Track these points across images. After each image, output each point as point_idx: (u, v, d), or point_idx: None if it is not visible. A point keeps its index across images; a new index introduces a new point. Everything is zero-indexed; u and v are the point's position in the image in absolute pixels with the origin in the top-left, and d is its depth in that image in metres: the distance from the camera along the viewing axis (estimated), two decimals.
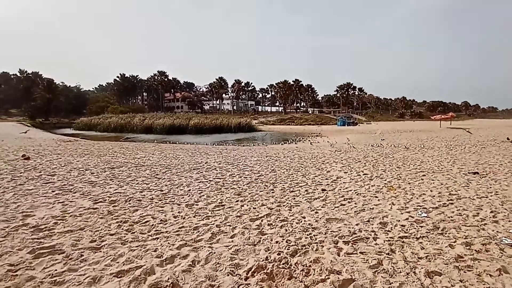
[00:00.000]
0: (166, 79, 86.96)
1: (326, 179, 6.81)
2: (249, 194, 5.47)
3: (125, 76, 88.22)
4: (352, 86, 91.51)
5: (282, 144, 22.32)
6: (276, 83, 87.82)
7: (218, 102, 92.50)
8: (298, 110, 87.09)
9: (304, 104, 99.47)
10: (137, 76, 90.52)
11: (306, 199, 5.10)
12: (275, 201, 5.02)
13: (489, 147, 13.21)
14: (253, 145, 21.28)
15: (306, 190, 5.71)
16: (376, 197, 5.20)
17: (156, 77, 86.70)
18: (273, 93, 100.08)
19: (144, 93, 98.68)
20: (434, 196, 5.24)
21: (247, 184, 6.28)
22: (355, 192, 5.52)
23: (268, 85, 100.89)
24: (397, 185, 6.10)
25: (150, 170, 8.05)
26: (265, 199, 5.11)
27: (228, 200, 5.09)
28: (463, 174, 7.16)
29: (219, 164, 9.28)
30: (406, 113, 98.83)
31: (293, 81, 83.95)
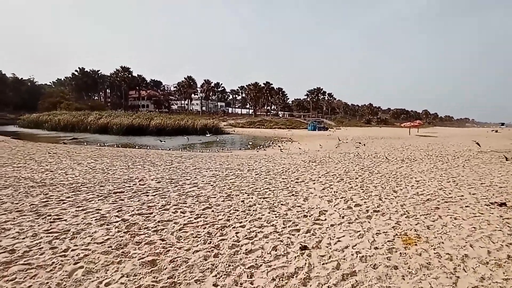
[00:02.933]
0: (130, 76, 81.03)
1: (304, 215, 4.54)
2: (170, 264, 2.99)
3: (85, 70, 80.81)
4: (322, 91, 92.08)
5: (249, 150, 20.04)
6: (247, 85, 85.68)
7: (187, 102, 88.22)
8: (268, 113, 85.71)
9: (275, 108, 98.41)
10: (98, 71, 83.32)
11: (273, 278, 2.75)
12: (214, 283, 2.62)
13: (486, 162, 11.91)
14: (217, 150, 18.75)
15: (275, 248, 3.36)
16: (396, 267, 2.99)
17: (119, 73, 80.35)
18: (243, 95, 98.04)
19: (107, 90, 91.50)
20: (486, 261, 3.17)
21: (179, 229, 3.80)
22: (357, 254, 3.26)
23: (238, 87, 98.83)
24: (411, 230, 4.00)
25: (45, 195, 5.28)
26: (195, 281, 2.68)
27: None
28: (484, 204, 5.30)
29: (158, 182, 6.71)
30: (373, 119, 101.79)
31: (264, 84, 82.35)
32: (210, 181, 7.04)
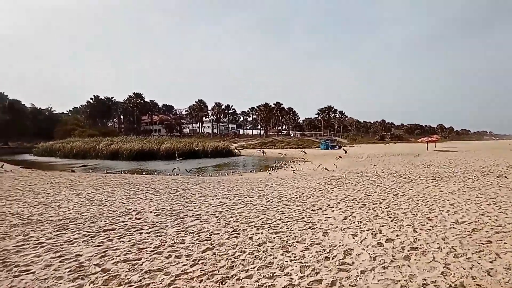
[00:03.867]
0: (142, 101, 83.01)
1: (326, 257, 3.69)
2: None
3: (99, 98, 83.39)
4: (333, 109, 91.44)
5: (260, 172, 19.24)
6: (257, 106, 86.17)
7: (198, 125, 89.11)
8: (279, 133, 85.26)
9: (286, 127, 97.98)
10: (112, 98, 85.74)
11: None
12: None
13: None
14: (226, 173, 18.03)
15: None
16: None
17: (131, 99, 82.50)
18: (254, 116, 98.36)
19: (120, 116, 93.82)
20: None
21: (168, 284, 3.02)
22: None
23: (249, 108, 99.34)
24: (468, 277, 3.08)
25: (25, 236, 4.64)
26: None
27: None
28: None
29: (157, 215, 6.00)
30: (386, 135, 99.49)
31: (274, 104, 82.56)
32: (216, 211, 6.27)
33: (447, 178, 11.22)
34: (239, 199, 7.70)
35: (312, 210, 6.24)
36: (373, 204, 6.72)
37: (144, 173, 18.80)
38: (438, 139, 38.78)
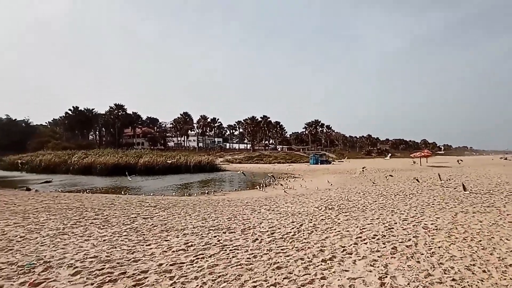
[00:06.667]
0: (124, 113, 79.50)
1: None
2: None
3: (79, 109, 79.29)
4: (320, 123, 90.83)
5: (247, 190, 16.99)
6: (244, 120, 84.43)
7: (183, 138, 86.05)
8: (266, 148, 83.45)
9: (273, 142, 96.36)
10: (93, 109, 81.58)
11: None
12: None
13: None
14: (207, 193, 15.70)
15: None
16: None
17: (113, 111, 78.89)
18: (241, 130, 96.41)
19: (102, 129, 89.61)
20: None
21: None
22: None
23: (236, 122, 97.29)
24: None
25: None
26: None
27: None
28: None
29: (76, 272, 3.73)
30: (373, 150, 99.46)
31: (261, 118, 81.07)
32: (174, 263, 4.04)
33: (466, 200, 9.41)
34: (214, 236, 5.48)
35: (323, 260, 4.09)
36: (407, 246, 4.66)
37: (110, 192, 16.21)
38: (430, 155, 37.77)
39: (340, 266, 3.84)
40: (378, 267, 3.78)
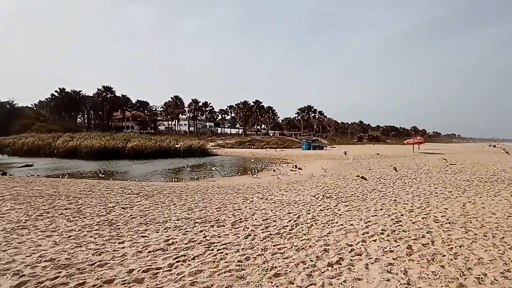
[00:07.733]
0: (113, 96, 76.74)
1: None
2: None
3: (65, 90, 76.03)
4: (312, 109, 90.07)
5: (238, 176, 16.29)
6: (236, 104, 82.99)
7: (174, 122, 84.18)
8: (259, 133, 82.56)
9: (265, 127, 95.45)
10: (80, 91, 78.22)
11: None
12: None
13: None
14: (196, 178, 14.90)
15: None
16: None
17: (101, 93, 76.00)
18: (233, 114, 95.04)
19: (90, 111, 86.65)
20: None
21: None
22: None
23: (228, 106, 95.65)
24: None
25: None
26: None
27: None
28: None
29: (20, 285, 2.97)
30: (364, 137, 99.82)
31: (253, 102, 79.66)
32: (149, 268, 3.30)
33: (476, 187, 8.92)
34: (200, 231, 4.76)
35: (329, 264, 3.41)
36: (423, 245, 4.02)
37: (94, 176, 15.29)
38: (423, 141, 37.66)
39: (351, 273, 3.16)
40: (397, 274, 3.12)
